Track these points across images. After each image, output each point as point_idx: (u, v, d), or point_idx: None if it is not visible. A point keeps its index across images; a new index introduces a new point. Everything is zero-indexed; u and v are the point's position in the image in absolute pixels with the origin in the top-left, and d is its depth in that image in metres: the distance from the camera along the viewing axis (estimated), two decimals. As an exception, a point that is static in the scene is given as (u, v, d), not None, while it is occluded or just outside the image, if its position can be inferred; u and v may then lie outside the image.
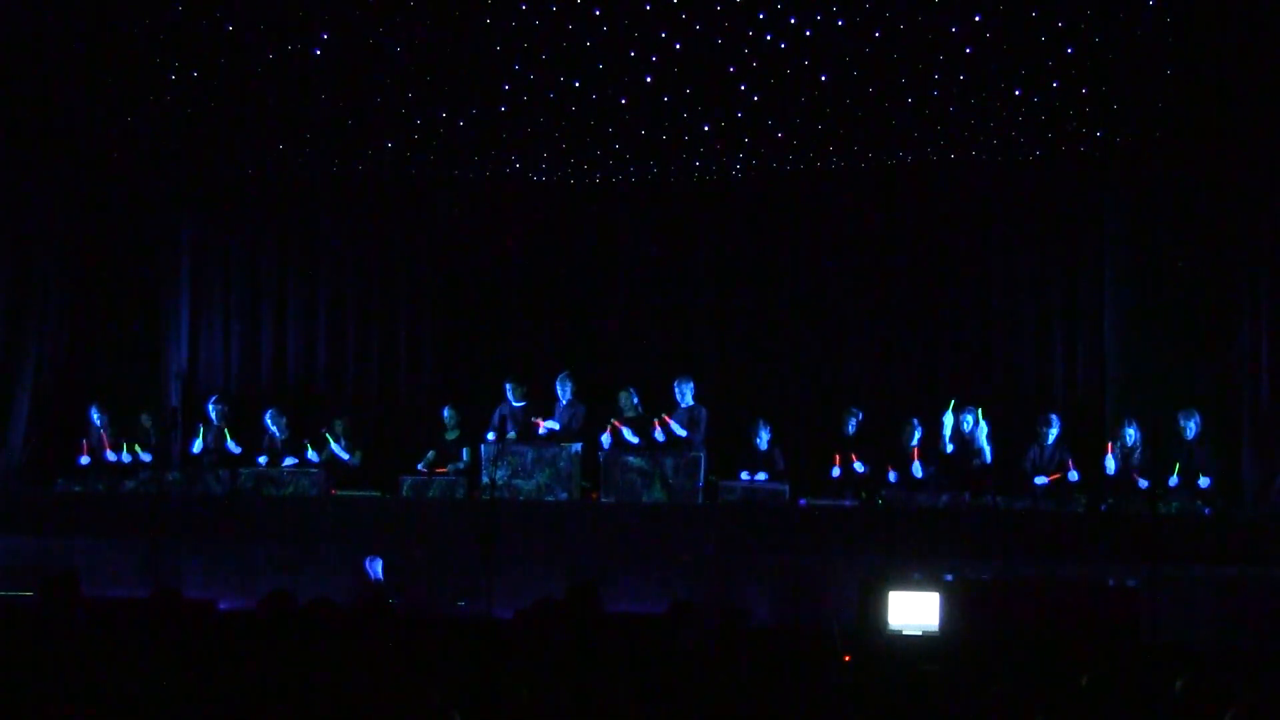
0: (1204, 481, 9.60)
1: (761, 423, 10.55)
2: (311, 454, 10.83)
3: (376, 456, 11.37)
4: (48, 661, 4.95)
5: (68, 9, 8.63)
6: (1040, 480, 9.99)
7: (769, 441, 10.51)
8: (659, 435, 10.42)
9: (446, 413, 11.12)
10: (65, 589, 7.15)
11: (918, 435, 10.32)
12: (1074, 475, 9.91)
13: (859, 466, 10.29)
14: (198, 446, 10.97)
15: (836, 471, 10.35)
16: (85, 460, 10.72)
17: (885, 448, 10.47)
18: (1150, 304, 10.94)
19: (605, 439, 10.48)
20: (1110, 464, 9.81)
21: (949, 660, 7.14)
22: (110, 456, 10.75)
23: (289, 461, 10.81)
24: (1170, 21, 8.40)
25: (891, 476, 10.19)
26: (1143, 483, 9.69)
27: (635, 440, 10.42)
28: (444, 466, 10.83)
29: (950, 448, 10.21)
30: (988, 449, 10.22)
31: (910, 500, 9.93)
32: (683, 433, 10.40)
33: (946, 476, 10.18)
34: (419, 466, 10.83)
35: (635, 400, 10.68)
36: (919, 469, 10.14)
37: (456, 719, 3.96)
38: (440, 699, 4.03)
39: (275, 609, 5.67)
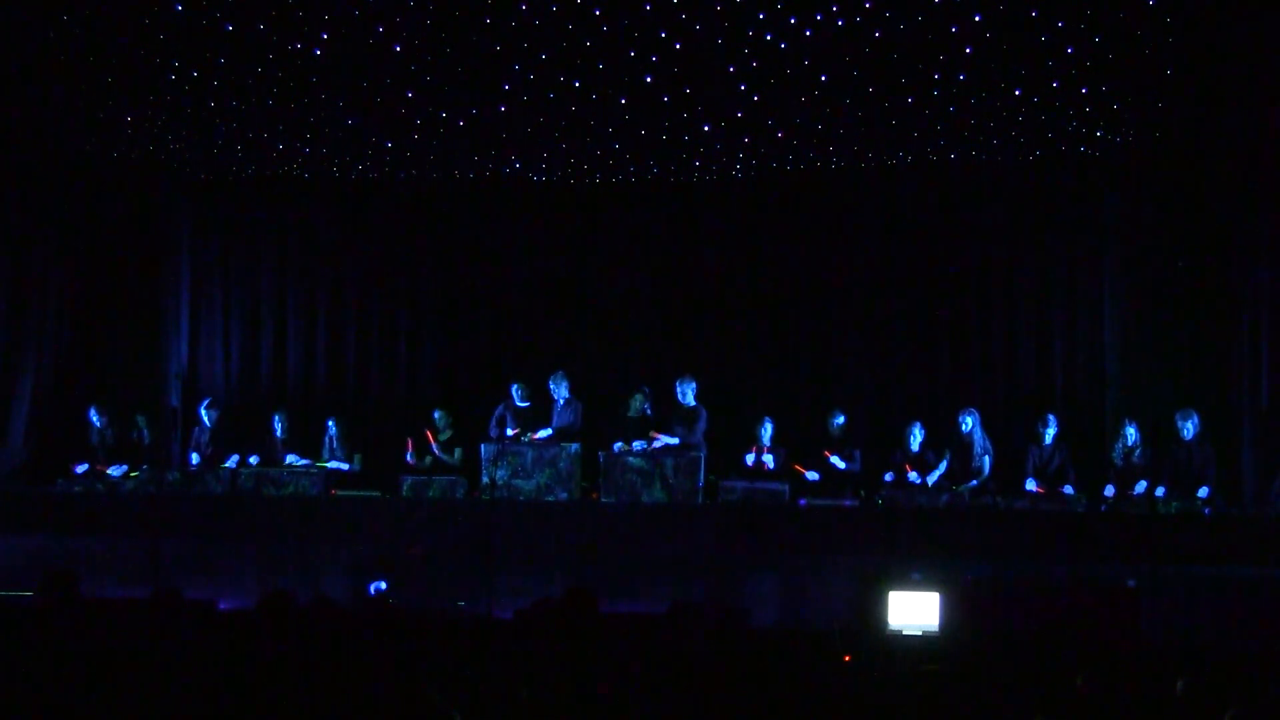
0: (1203, 492, 9.59)
1: (766, 419, 10.61)
2: (304, 461, 10.83)
3: (376, 457, 11.38)
4: (48, 661, 4.95)
5: (68, 8, 8.62)
6: (1031, 486, 9.99)
7: (772, 437, 10.55)
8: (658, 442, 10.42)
9: (437, 415, 11.12)
10: (65, 589, 7.15)
11: (920, 438, 10.32)
12: (1069, 490, 9.91)
13: (838, 463, 10.29)
14: (196, 458, 10.96)
15: (815, 476, 10.35)
16: (83, 469, 10.69)
17: (885, 448, 10.48)
18: (1150, 304, 10.94)
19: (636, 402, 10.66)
20: (1109, 490, 9.80)
21: (949, 660, 7.14)
22: (113, 472, 10.71)
23: (290, 459, 10.82)
24: (1170, 22, 8.39)
25: (888, 476, 10.19)
26: (1139, 488, 9.69)
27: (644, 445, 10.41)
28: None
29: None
30: (987, 460, 10.23)
31: (910, 500, 9.93)
32: (674, 441, 10.38)
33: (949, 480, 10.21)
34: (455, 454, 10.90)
35: (646, 404, 10.69)
36: (915, 477, 10.15)
37: (457, 719, 3.96)
38: (440, 699, 4.03)
39: (275, 609, 5.67)
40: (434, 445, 10.94)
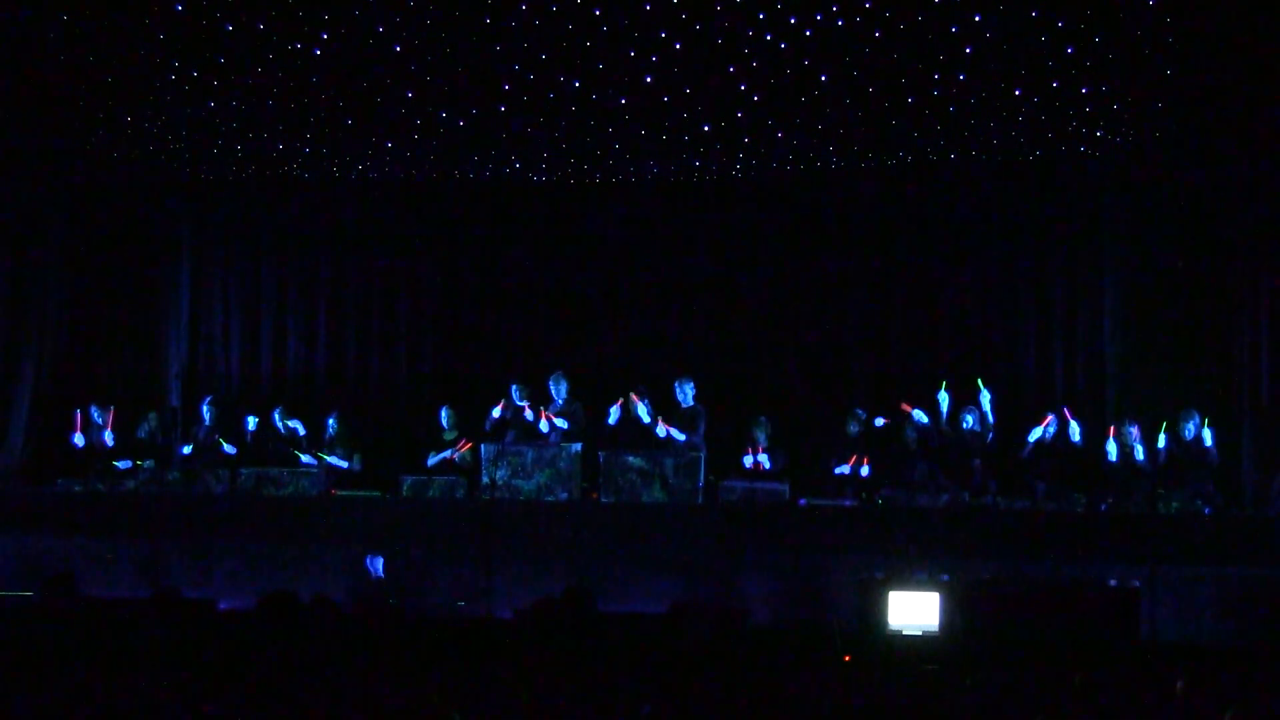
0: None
1: (762, 419, 10.59)
2: (306, 459, 10.82)
3: (376, 456, 11.37)
4: (48, 661, 4.95)
5: (68, 8, 8.63)
6: (1033, 438, 9.97)
7: (768, 438, 10.55)
8: (660, 432, 10.41)
9: (444, 413, 11.11)
10: (65, 589, 7.17)
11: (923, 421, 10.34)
12: (1075, 428, 9.91)
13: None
14: (188, 449, 10.96)
15: (845, 469, 10.33)
16: (79, 440, 10.60)
17: (884, 446, 10.48)
18: (1150, 304, 10.94)
19: (614, 411, 10.55)
20: (1112, 450, 9.75)
21: (949, 660, 7.14)
22: (120, 464, 10.67)
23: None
24: (1170, 22, 8.40)
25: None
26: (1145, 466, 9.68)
27: (647, 419, 10.40)
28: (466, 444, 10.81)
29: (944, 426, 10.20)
30: (989, 426, 10.23)
31: (910, 500, 9.92)
32: (681, 437, 10.39)
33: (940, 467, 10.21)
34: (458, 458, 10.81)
35: (645, 401, 10.70)
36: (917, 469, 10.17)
37: (456, 719, 3.96)
38: (440, 699, 4.04)
39: (275, 609, 5.69)
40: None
